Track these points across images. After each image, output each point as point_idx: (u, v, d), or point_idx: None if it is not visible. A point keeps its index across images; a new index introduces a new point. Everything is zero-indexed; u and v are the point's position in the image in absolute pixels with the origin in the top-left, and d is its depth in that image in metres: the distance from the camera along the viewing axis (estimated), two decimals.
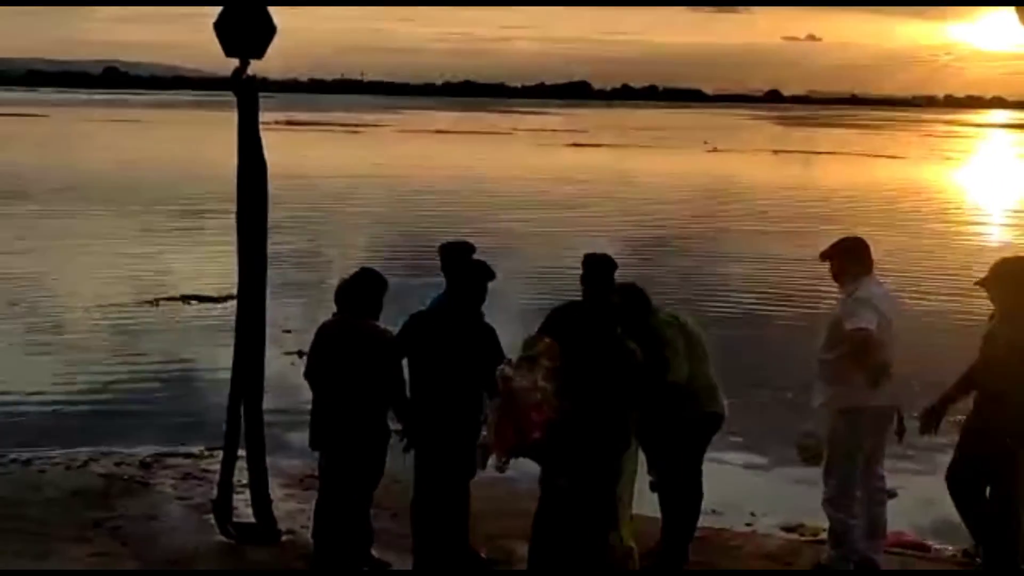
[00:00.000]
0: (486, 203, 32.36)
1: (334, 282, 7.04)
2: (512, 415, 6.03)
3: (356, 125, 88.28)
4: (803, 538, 8.09)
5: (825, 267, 7.26)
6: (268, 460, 7.67)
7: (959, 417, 7.05)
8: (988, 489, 6.79)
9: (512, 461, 6.23)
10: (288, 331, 13.10)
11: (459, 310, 6.75)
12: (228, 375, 7.69)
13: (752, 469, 9.96)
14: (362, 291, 6.78)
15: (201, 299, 16.69)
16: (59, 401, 11.75)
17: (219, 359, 10.51)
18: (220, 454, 7.82)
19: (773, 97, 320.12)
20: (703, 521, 7.35)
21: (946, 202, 37.26)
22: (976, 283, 6.98)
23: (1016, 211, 35.06)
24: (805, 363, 7.56)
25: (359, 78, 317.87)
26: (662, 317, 6.97)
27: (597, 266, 7.01)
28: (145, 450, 9.64)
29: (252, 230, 7.45)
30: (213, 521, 7.61)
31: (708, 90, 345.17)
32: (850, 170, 51.59)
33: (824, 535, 7.42)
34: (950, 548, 7.86)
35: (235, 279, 7.64)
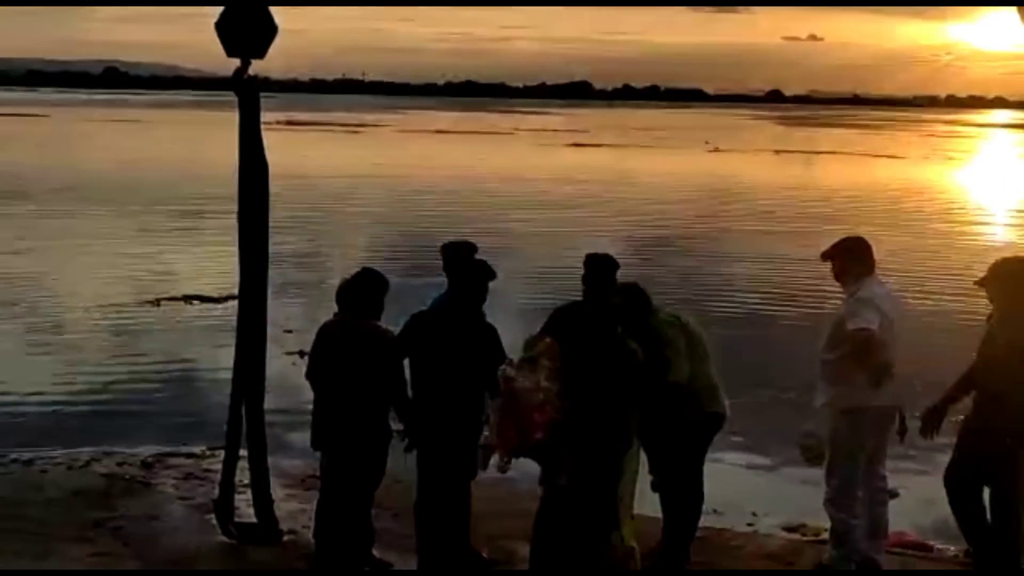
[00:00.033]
0: (487, 203, 32.37)
1: (335, 282, 7.04)
2: (514, 415, 6.04)
3: (357, 125, 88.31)
4: (805, 538, 8.09)
5: (827, 267, 7.26)
6: (270, 460, 7.67)
7: (960, 417, 7.04)
8: (987, 490, 6.79)
9: (513, 461, 6.25)
10: (289, 331, 13.09)
11: (461, 310, 6.75)
12: (229, 375, 7.69)
13: (754, 469, 9.96)
14: (363, 291, 6.78)
15: (202, 299, 16.69)
16: (61, 401, 11.75)
17: (220, 359, 10.52)
18: (222, 454, 7.82)
19: (774, 97, 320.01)
20: (704, 521, 7.35)
21: (949, 202, 37.25)
22: (975, 283, 6.98)
23: (1019, 211, 35.06)
24: (807, 363, 7.56)
25: (360, 78, 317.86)
26: (663, 317, 6.97)
27: (599, 266, 7.01)
28: (147, 450, 9.65)
29: (253, 230, 7.45)
30: (215, 521, 7.61)
31: (709, 90, 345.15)
32: (852, 170, 51.61)
33: (826, 535, 7.41)
34: (952, 548, 7.84)
35: (236, 279, 7.64)
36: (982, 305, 6.99)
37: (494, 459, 6.27)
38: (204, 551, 7.40)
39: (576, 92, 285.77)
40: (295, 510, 7.99)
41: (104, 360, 13.49)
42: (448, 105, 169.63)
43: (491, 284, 6.81)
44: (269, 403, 7.74)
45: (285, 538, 7.54)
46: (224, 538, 7.50)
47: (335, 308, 6.85)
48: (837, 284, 7.25)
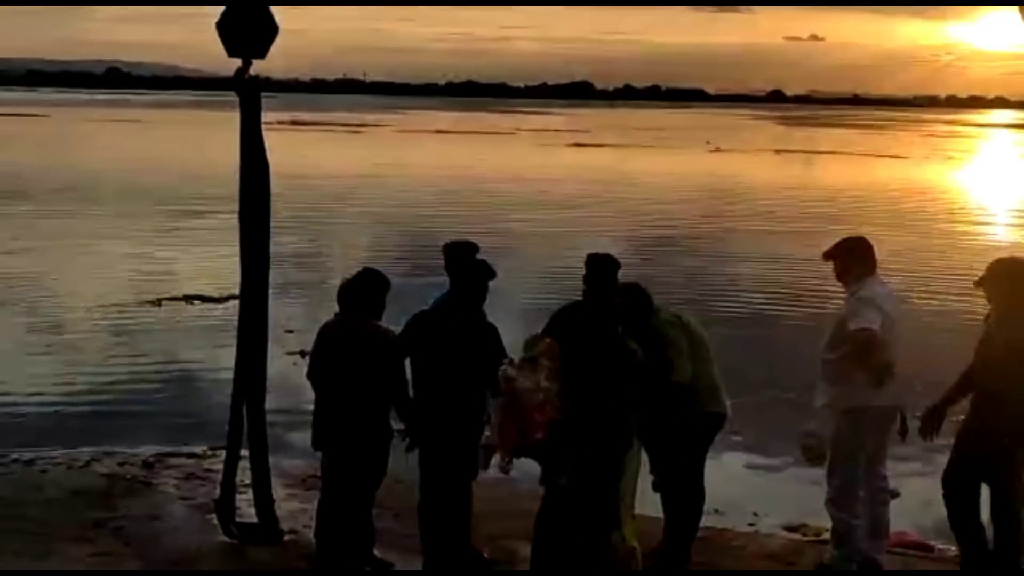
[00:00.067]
0: (488, 203, 32.37)
1: (336, 282, 7.04)
2: (515, 416, 6.05)
3: (358, 125, 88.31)
4: (806, 538, 8.09)
5: (829, 267, 7.26)
6: (271, 460, 7.67)
7: (960, 417, 7.04)
8: (987, 490, 6.78)
9: (514, 461, 6.25)
10: (290, 331, 13.09)
11: (461, 309, 6.75)
12: (230, 375, 7.69)
13: (755, 469, 9.96)
14: (364, 291, 6.78)
15: (203, 299, 16.68)
16: (61, 401, 11.76)
17: (221, 359, 10.52)
18: (223, 454, 7.82)
19: (775, 97, 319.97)
20: (705, 521, 7.35)
21: (950, 202, 37.24)
22: (974, 284, 6.98)
23: (1021, 211, 35.04)
24: (808, 363, 7.56)
25: (361, 78, 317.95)
26: (664, 317, 6.96)
27: (600, 266, 7.00)
28: (148, 450, 9.65)
29: (254, 230, 7.45)
30: (216, 521, 7.61)
31: (710, 90, 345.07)
32: (853, 170, 51.59)
33: (827, 535, 7.41)
34: (953, 548, 7.79)
35: (237, 279, 7.64)
36: (983, 305, 6.98)
37: (495, 459, 6.27)
38: (205, 551, 7.40)
39: (577, 92, 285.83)
40: (296, 510, 7.99)
41: (105, 360, 13.49)
42: (449, 105, 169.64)
43: (492, 284, 6.82)
44: (270, 403, 7.74)
45: (286, 538, 7.54)
46: (225, 538, 7.51)
47: (336, 308, 6.85)
48: (839, 284, 7.25)
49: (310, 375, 6.90)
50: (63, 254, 21.30)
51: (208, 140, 50.32)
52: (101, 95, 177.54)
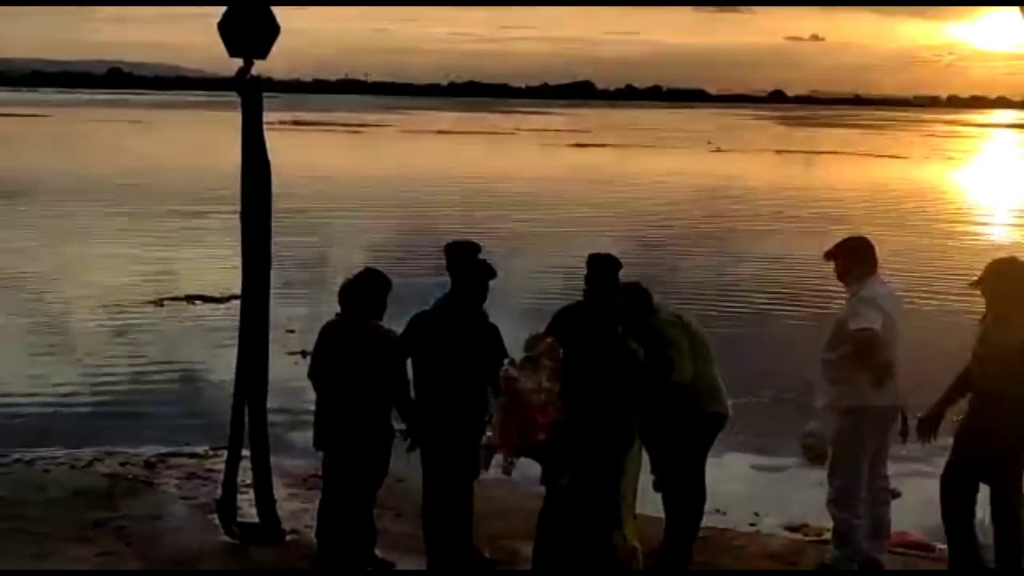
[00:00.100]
0: (489, 203, 32.36)
1: (338, 282, 7.04)
2: (517, 416, 6.05)
3: (360, 125, 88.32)
4: (807, 538, 8.09)
5: (831, 266, 7.25)
6: (272, 460, 7.67)
7: (960, 417, 7.03)
8: (986, 489, 6.78)
9: (516, 462, 6.25)
10: (292, 331, 13.08)
11: (462, 309, 6.75)
12: (232, 375, 7.69)
13: (756, 469, 9.95)
14: (366, 291, 6.78)
15: (205, 299, 16.69)
16: (63, 401, 11.76)
17: (223, 359, 10.52)
18: (224, 454, 7.83)
19: (776, 97, 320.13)
20: (707, 521, 7.35)
21: (951, 202, 37.24)
22: (971, 284, 6.97)
23: (1021, 211, 35.02)
24: (810, 363, 7.55)
25: (363, 78, 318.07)
26: (665, 317, 6.96)
27: (601, 266, 7.00)
28: (149, 450, 9.65)
29: (256, 230, 7.45)
30: (217, 521, 7.62)
31: (712, 90, 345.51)
32: (854, 170, 51.57)
33: (828, 535, 7.41)
34: None
35: (239, 279, 7.64)
36: (983, 305, 6.98)
37: (497, 459, 6.27)
38: (207, 551, 7.40)
39: (578, 92, 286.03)
40: (297, 510, 7.99)
41: (106, 360, 13.49)
42: (450, 105, 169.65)
43: (493, 283, 6.82)
44: (271, 403, 7.73)
45: (287, 538, 7.54)
46: (227, 538, 7.51)
47: (337, 308, 6.85)
48: (840, 284, 7.25)
49: (311, 375, 6.90)
50: (64, 254, 21.30)
51: (210, 140, 50.32)
52: (103, 95, 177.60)
